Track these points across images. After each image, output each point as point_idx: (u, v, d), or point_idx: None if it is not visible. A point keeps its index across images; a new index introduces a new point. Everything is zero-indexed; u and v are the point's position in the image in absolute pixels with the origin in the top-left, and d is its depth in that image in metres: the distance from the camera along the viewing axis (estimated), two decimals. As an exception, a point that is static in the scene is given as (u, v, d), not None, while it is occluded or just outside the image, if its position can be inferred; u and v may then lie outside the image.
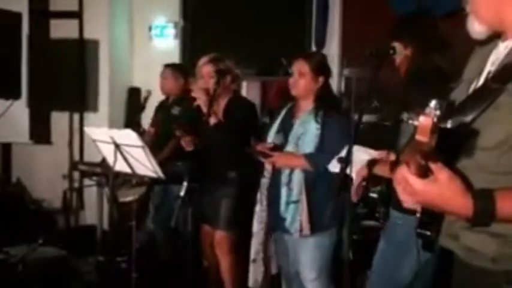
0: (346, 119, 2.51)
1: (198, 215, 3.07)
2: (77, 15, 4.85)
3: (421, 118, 0.82)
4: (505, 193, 1.05)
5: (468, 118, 1.14)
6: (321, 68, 2.59)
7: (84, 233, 4.30)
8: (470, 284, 1.20)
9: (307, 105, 2.59)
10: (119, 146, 2.54)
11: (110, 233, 3.80)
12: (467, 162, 1.16)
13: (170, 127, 3.38)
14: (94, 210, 4.21)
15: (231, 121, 2.82)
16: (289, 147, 2.56)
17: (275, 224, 2.62)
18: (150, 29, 5.13)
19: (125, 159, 2.59)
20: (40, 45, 4.63)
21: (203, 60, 2.91)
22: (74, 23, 4.83)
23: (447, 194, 1.04)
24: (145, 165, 2.51)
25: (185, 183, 2.10)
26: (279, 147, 2.57)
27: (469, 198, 1.04)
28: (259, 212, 2.68)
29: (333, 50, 4.52)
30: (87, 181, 4.36)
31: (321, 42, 4.60)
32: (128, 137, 2.46)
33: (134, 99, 5.04)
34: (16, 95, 3.46)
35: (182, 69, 3.75)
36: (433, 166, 1.04)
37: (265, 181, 2.65)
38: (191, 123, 3.06)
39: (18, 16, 3.41)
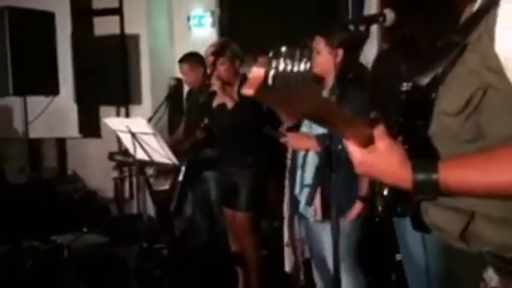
0: (366, 96, 2.37)
1: (220, 199, 3.08)
2: (118, 11, 5.01)
3: (255, 68, 0.69)
4: (453, 163, 0.92)
5: (430, 76, 1.01)
6: (339, 41, 2.44)
7: (130, 221, 4.47)
8: (458, 265, 1.08)
9: (328, 83, 2.47)
10: (134, 134, 2.59)
11: (151, 221, 3.91)
12: (436, 128, 1.04)
13: (199, 115, 3.40)
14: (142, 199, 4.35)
15: (246, 103, 2.80)
16: (304, 128, 2.48)
17: (294, 207, 2.55)
18: (188, 19, 5.19)
19: (142, 147, 2.63)
20: (84, 42, 4.85)
21: (211, 48, 2.91)
22: (115, 19, 5.00)
23: (384, 164, 0.94)
24: (159, 152, 2.54)
25: (183, 168, 2.09)
26: (292, 129, 2.50)
27: (407, 169, 0.92)
28: (286, 194, 2.63)
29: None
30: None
31: (359, 13, 4.40)
32: (140, 124, 2.50)
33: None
34: (55, 92, 3.62)
35: (197, 58, 3.74)
36: (375, 133, 0.94)
37: (288, 163, 2.59)
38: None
39: (51, 15, 3.56)
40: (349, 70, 2.50)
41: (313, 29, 4.43)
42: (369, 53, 4.22)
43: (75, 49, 4.72)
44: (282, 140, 2.50)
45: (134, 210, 5.10)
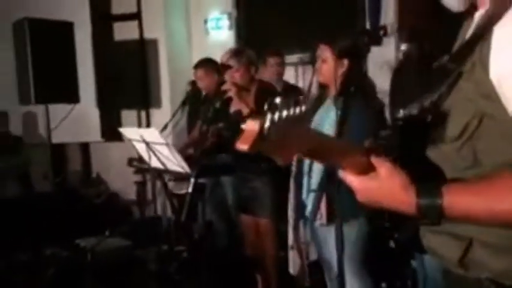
0: (369, 108, 2.35)
1: (238, 206, 3.10)
2: (137, 16, 5.08)
3: (249, 121, 0.70)
4: (457, 188, 0.91)
5: (425, 102, 1.01)
6: (345, 51, 2.44)
7: (151, 224, 4.55)
8: None
9: (332, 91, 2.47)
10: (148, 144, 2.63)
11: (171, 224, 3.98)
12: (433, 153, 1.04)
13: (213, 120, 3.43)
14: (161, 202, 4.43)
15: (262, 109, 2.81)
16: None
17: (301, 211, 2.57)
18: (205, 22, 5.23)
19: (156, 156, 2.67)
20: (104, 48, 4.94)
21: (226, 54, 2.92)
22: (134, 24, 5.08)
23: (387, 190, 0.93)
24: (172, 161, 2.58)
25: (192, 180, 2.12)
26: None
27: (411, 194, 0.92)
28: (291, 199, 2.65)
29: (388, 22, 4.27)
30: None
31: (376, 17, 4.37)
32: (153, 134, 2.55)
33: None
34: (75, 100, 3.71)
35: (212, 64, 3.78)
36: (373, 160, 0.95)
37: (293, 169, 2.61)
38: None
39: (70, 25, 3.64)
40: (353, 80, 2.48)
41: (330, 30, 4.45)
42: (388, 53, 4.20)
43: (96, 54, 4.82)
44: None
45: (156, 212, 5.20)
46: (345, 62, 2.41)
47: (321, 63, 2.44)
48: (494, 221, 0.89)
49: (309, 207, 2.43)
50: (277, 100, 0.70)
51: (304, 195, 2.47)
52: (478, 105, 0.91)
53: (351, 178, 0.97)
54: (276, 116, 0.69)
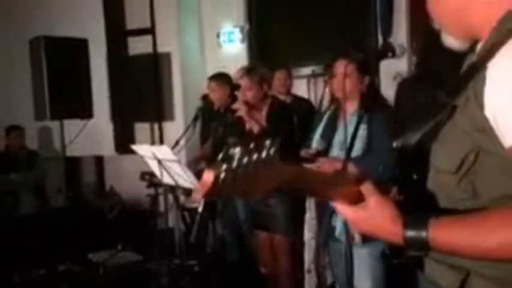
0: (387, 113, 2.35)
1: (253, 222, 3.10)
2: (150, 31, 5.15)
3: (205, 173, 0.70)
4: (446, 221, 0.92)
5: (420, 133, 1.02)
6: (366, 67, 2.45)
7: (164, 237, 4.57)
8: None
9: (351, 106, 2.46)
10: (160, 161, 2.66)
11: (183, 238, 3.99)
12: (431, 184, 1.05)
13: (226, 134, 3.45)
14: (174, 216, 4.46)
15: (274, 127, 2.81)
16: (335, 152, 2.44)
17: (326, 232, 2.52)
18: (218, 35, 5.27)
19: (168, 172, 2.70)
20: (119, 62, 5.01)
21: (239, 73, 2.93)
22: (147, 38, 5.15)
23: (377, 220, 0.96)
24: (184, 177, 2.60)
25: (202, 200, 2.13)
26: (321, 153, 2.46)
27: (398, 225, 0.93)
28: (309, 219, 2.61)
29: (400, 39, 4.26)
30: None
31: (388, 32, 4.37)
32: (165, 152, 2.57)
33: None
34: (89, 115, 3.77)
35: (226, 78, 3.81)
36: (363, 190, 0.96)
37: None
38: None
39: (84, 42, 3.71)
40: (374, 94, 2.49)
41: (340, 44, 4.46)
42: (401, 64, 4.19)
43: (110, 69, 4.89)
44: (313, 165, 2.47)
45: (168, 226, 5.22)
46: (367, 78, 2.41)
47: (343, 78, 2.35)
48: (481, 257, 0.90)
49: (338, 228, 2.39)
50: (236, 150, 0.70)
51: (331, 216, 2.40)
52: (474, 138, 0.92)
53: (342, 208, 0.98)
54: (235, 163, 0.70)
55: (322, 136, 2.54)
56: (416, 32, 4.21)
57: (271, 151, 0.72)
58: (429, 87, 1.93)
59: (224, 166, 0.69)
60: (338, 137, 2.45)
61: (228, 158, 0.70)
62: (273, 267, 3.16)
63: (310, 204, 2.54)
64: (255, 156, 0.71)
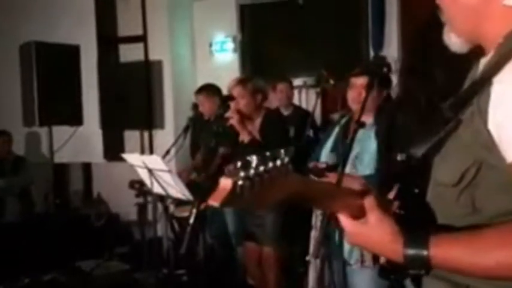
0: (394, 118, 2.33)
1: (242, 233, 3.08)
2: (142, 38, 5.13)
3: (222, 179, 0.69)
4: (447, 239, 0.92)
5: (425, 147, 1.02)
6: (388, 81, 2.42)
7: (152, 246, 4.52)
8: None
9: (365, 120, 2.29)
10: (151, 170, 2.64)
11: (172, 247, 3.95)
12: (432, 197, 1.04)
13: (215, 145, 3.43)
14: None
15: (266, 138, 2.82)
16: (347, 168, 2.35)
17: (333, 252, 2.43)
18: (210, 45, 5.28)
19: (158, 182, 2.67)
20: (110, 70, 4.98)
21: (232, 82, 2.94)
22: (139, 46, 5.13)
23: (376, 237, 0.95)
24: (174, 188, 2.58)
25: (194, 211, 2.12)
26: (332, 168, 2.36)
27: (398, 243, 0.93)
28: (315, 238, 2.54)
29: (391, 53, 4.30)
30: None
31: (379, 45, 4.41)
32: (156, 162, 2.55)
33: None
34: (78, 123, 3.73)
35: (213, 88, 3.82)
36: (366, 205, 0.95)
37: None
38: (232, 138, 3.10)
39: (76, 48, 3.68)
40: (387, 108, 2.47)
41: (333, 54, 4.48)
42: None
43: (101, 76, 4.85)
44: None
45: (156, 235, 5.16)
46: (385, 92, 2.40)
47: (364, 91, 2.21)
48: (481, 276, 0.90)
49: (347, 248, 2.32)
50: (253, 158, 0.70)
51: (339, 235, 2.31)
52: (476, 153, 0.92)
53: (344, 220, 0.98)
54: (251, 172, 0.69)
55: (332, 150, 2.46)
56: (407, 45, 4.26)
57: (286, 160, 0.71)
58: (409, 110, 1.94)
59: (242, 173, 0.68)
60: (351, 152, 2.33)
61: (244, 166, 0.68)
62: (261, 279, 3.15)
63: (317, 221, 2.48)
64: (270, 165, 0.70)
